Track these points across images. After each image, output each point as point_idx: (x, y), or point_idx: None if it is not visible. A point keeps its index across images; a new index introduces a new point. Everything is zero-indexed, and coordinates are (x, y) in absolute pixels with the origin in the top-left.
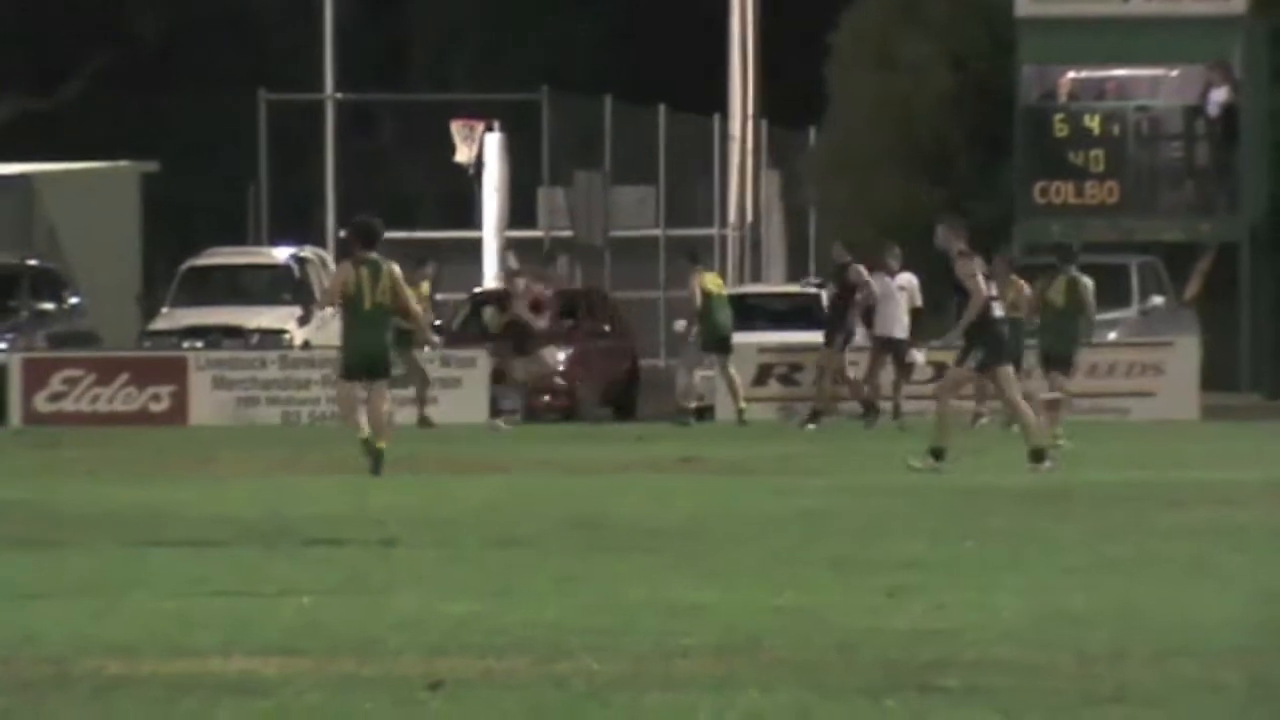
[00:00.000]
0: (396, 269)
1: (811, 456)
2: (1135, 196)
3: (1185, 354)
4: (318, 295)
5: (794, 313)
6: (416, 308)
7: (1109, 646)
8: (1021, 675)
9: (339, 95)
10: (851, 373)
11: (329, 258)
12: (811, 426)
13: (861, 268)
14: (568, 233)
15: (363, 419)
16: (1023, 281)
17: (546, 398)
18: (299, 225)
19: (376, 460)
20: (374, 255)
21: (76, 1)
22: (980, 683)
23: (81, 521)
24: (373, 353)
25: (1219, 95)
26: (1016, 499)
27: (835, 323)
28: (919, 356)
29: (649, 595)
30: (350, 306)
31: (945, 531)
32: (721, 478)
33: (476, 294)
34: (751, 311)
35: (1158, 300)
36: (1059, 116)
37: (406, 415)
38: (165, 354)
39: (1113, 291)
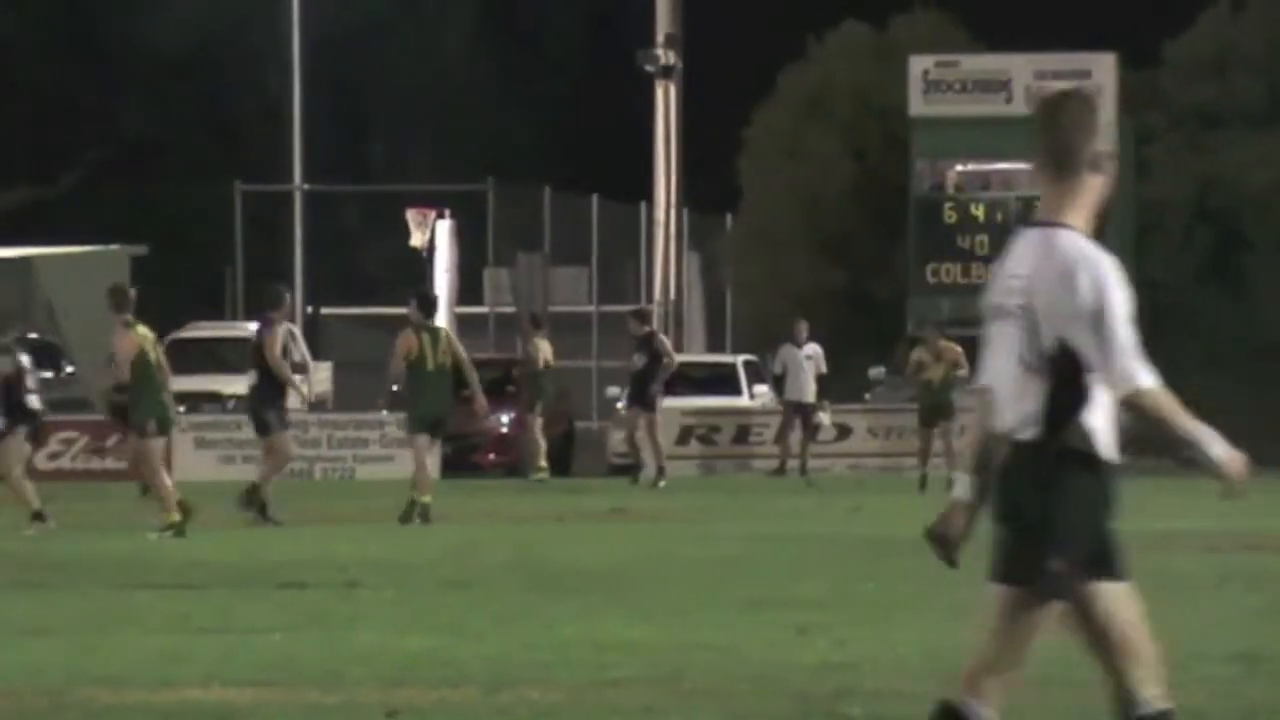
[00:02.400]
0: (451, 334)
1: (728, 508)
2: None
3: None
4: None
5: (713, 380)
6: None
7: None
8: (916, 704)
9: (306, 186)
10: (638, 434)
11: (298, 331)
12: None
13: (664, 337)
14: (511, 309)
15: (424, 473)
16: (956, 345)
17: (492, 455)
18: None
19: (416, 510)
20: (432, 323)
21: (73, 103)
22: (881, 711)
23: (76, 567)
24: (439, 411)
25: None
26: (914, 546)
27: (641, 387)
28: (824, 418)
29: (583, 632)
30: (416, 369)
31: (849, 575)
32: (647, 526)
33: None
34: (674, 379)
35: None
36: (948, 205)
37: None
38: None
39: None
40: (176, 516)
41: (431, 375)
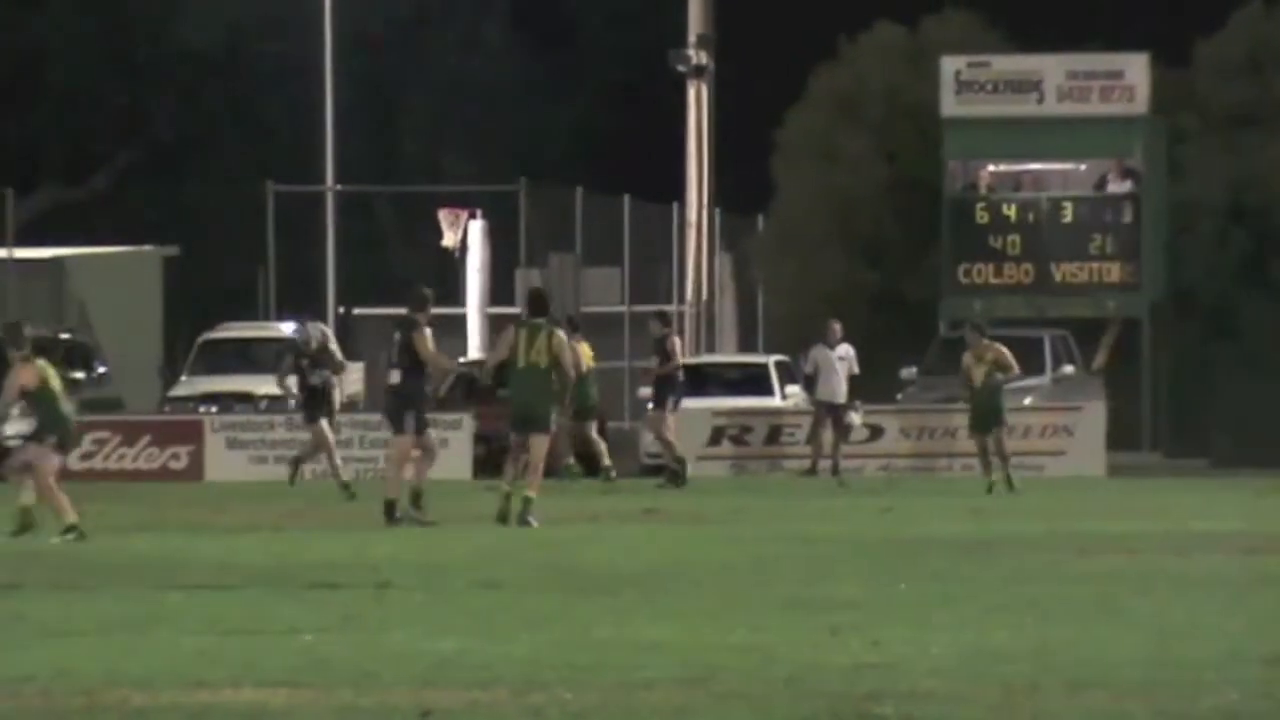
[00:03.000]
0: (561, 334)
1: (760, 509)
2: (1048, 277)
3: (1093, 417)
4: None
5: (744, 380)
6: (571, 371)
7: (1027, 679)
8: (949, 705)
9: (338, 186)
10: (670, 435)
11: (330, 331)
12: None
13: (677, 340)
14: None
15: (510, 471)
16: (998, 344)
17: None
18: (303, 302)
19: (508, 511)
20: (539, 320)
21: (105, 103)
22: (913, 712)
23: (109, 568)
24: (526, 408)
25: (1118, 187)
26: (946, 546)
27: (663, 389)
28: (855, 418)
29: (615, 633)
30: (510, 365)
31: (881, 575)
32: (680, 528)
33: (461, 363)
34: (706, 379)
35: (1068, 369)
36: (980, 206)
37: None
38: (184, 417)
39: (1028, 361)
40: (74, 518)
41: (519, 373)
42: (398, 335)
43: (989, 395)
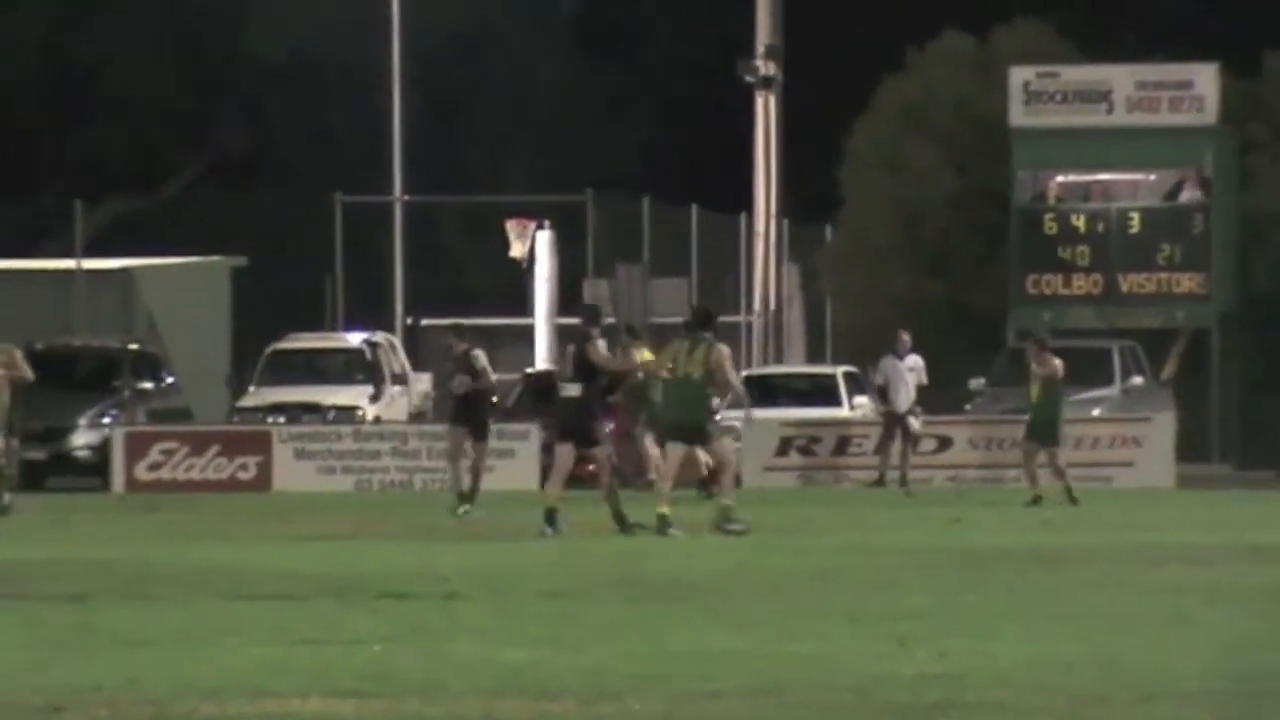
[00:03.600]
0: (721, 348)
1: (827, 519)
2: (1117, 287)
3: (1162, 428)
4: (387, 377)
5: (812, 391)
6: (737, 384)
7: (1095, 690)
8: (1016, 716)
9: (406, 197)
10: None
11: (397, 342)
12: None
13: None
14: (610, 320)
15: (667, 485)
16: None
17: (592, 466)
18: (371, 313)
19: (662, 524)
20: (704, 334)
21: (174, 114)
22: None
23: (177, 577)
24: (680, 418)
25: (1187, 197)
26: (1013, 557)
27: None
28: (915, 423)
29: (683, 643)
30: (670, 375)
31: (948, 586)
32: (747, 538)
33: (529, 373)
34: (773, 390)
35: (1137, 380)
36: (1049, 216)
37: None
38: (252, 428)
39: (1096, 372)
40: None
41: (672, 384)
42: (571, 349)
43: (1039, 408)
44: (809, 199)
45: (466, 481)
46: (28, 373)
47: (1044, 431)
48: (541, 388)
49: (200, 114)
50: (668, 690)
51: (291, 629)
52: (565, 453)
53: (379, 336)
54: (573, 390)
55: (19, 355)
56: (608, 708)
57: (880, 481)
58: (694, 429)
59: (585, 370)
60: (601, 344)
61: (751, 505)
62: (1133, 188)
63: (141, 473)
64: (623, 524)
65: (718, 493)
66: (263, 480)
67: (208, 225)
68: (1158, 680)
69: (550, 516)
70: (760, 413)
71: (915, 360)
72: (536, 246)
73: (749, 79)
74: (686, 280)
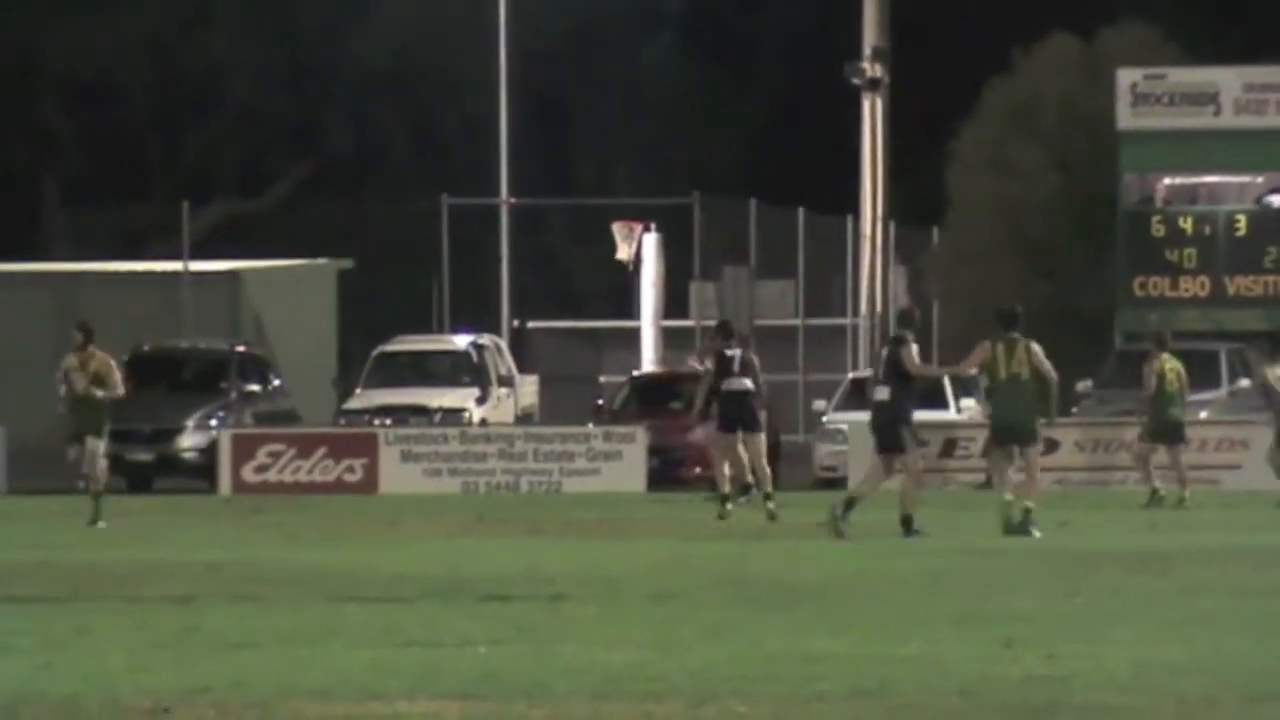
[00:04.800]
0: (1036, 346)
1: (934, 522)
2: (1223, 289)
3: (1269, 431)
4: (493, 379)
5: (921, 394)
6: (1053, 374)
7: (1204, 692)
8: (1125, 718)
9: (512, 200)
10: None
11: (504, 344)
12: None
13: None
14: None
15: (1013, 479)
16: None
17: (698, 469)
18: (477, 315)
19: (1025, 519)
20: (1014, 334)
21: (281, 118)
22: None
23: (284, 579)
24: (1012, 420)
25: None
26: (1120, 560)
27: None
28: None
29: (788, 645)
30: (989, 378)
31: (1055, 588)
32: (854, 540)
33: (635, 376)
34: None
35: (1244, 383)
36: (1156, 219)
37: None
38: (359, 430)
39: (1204, 375)
40: None
41: (1002, 386)
42: (885, 351)
43: (1157, 407)
44: (915, 200)
45: (725, 485)
46: (118, 386)
47: (1158, 430)
48: (648, 391)
49: (307, 118)
50: (773, 692)
51: (398, 631)
52: (880, 463)
53: (485, 339)
54: (882, 394)
55: (113, 365)
56: (712, 709)
57: (987, 484)
58: (1027, 431)
59: (898, 374)
60: (915, 348)
61: (857, 508)
62: (1240, 190)
63: (248, 475)
64: (908, 528)
65: (840, 503)
66: (369, 483)
67: (314, 229)
68: (1265, 682)
69: (907, 522)
70: (865, 415)
71: None
72: (643, 249)
73: (856, 81)
74: (793, 283)
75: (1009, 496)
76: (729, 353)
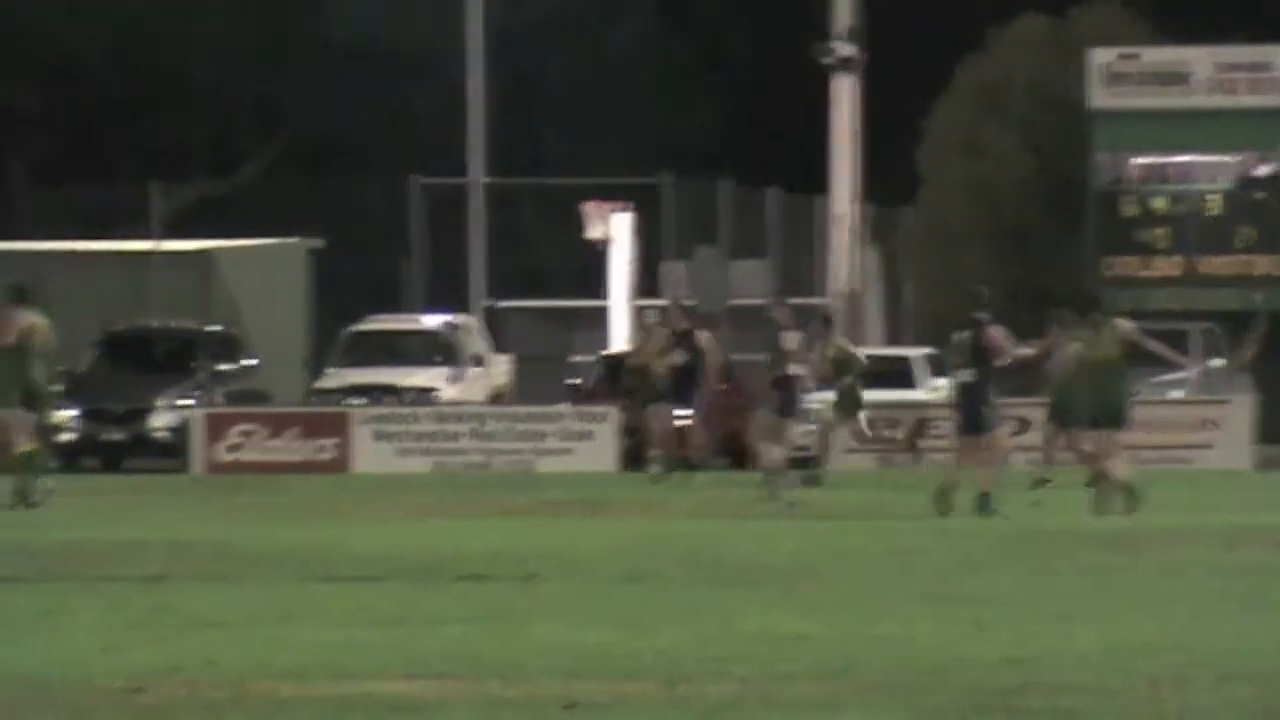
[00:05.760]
0: (1121, 323)
1: (905, 502)
2: (1195, 270)
3: (1240, 411)
4: (465, 358)
5: (891, 374)
6: (1151, 346)
7: (1175, 672)
8: (1097, 698)
9: (484, 179)
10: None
11: (477, 324)
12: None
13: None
14: (689, 302)
15: (1119, 465)
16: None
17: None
18: (449, 295)
19: (1130, 498)
20: (1096, 316)
21: (251, 96)
22: (1061, 705)
23: (257, 558)
24: (1105, 400)
25: (1260, 173)
26: (1090, 540)
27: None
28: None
29: (760, 625)
30: (1078, 365)
31: (1028, 569)
32: (824, 521)
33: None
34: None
35: (1216, 362)
36: (1127, 199)
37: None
38: (330, 409)
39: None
40: None
41: (1088, 369)
42: (967, 335)
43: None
44: (887, 180)
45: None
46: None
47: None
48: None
49: (278, 96)
50: (745, 672)
51: (371, 610)
52: (965, 445)
53: (458, 318)
54: (965, 376)
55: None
56: (685, 689)
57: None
58: (1117, 412)
59: (980, 356)
60: (999, 330)
61: (829, 488)
62: (1211, 170)
63: (220, 454)
64: (985, 505)
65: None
66: (341, 462)
67: (285, 208)
68: (1237, 662)
69: (985, 500)
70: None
71: None
72: (616, 228)
73: (826, 61)
74: (765, 263)
75: (1124, 479)
76: (788, 334)
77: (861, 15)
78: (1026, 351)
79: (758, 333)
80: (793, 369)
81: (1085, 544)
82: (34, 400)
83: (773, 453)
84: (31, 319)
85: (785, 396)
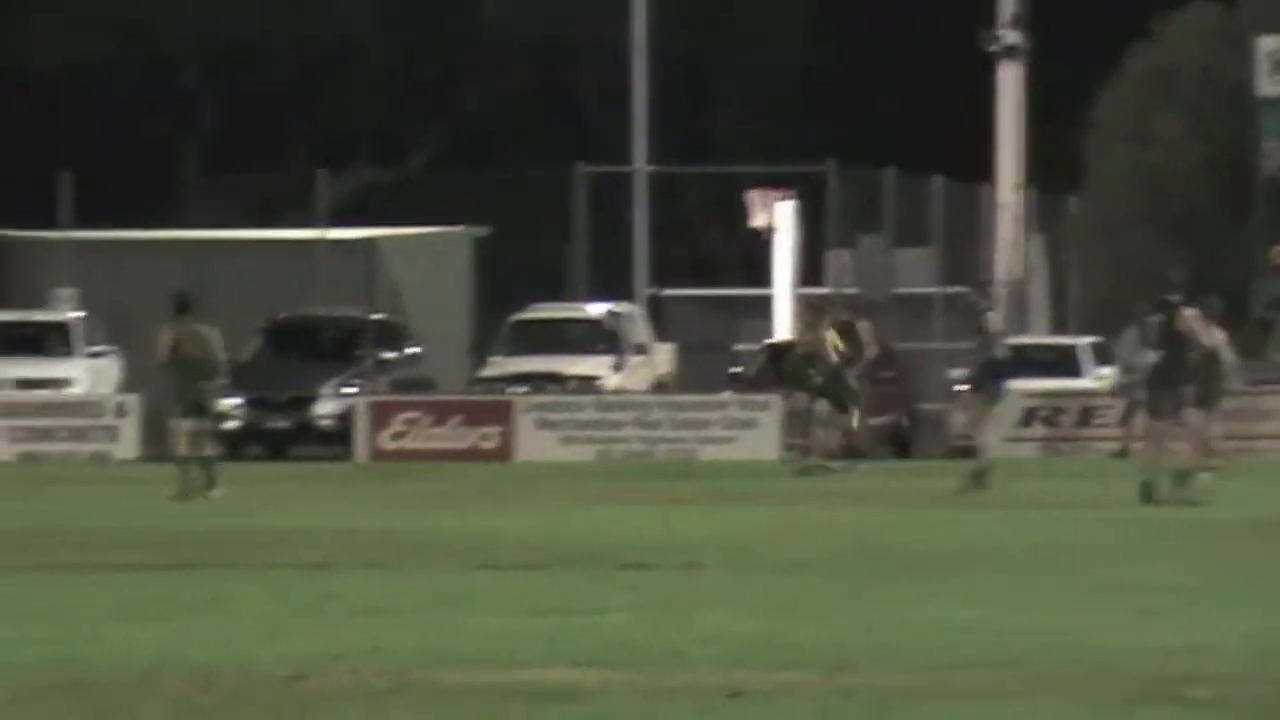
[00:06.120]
0: (1188, 312)
1: (1070, 491)
2: None
3: None
4: (629, 347)
5: (1056, 362)
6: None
7: None
8: (1266, 687)
9: (649, 167)
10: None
11: (640, 312)
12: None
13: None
14: (853, 290)
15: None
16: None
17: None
18: (612, 283)
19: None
20: (1172, 298)
21: (418, 86)
22: (1230, 695)
23: (421, 546)
24: (1203, 387)
25: None
26: (1256, 529)
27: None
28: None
29: (924, 615)
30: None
31: (1194, 558)
32: (989, 510)
33: (769, 344)
34: (1017, 360)
35: None
36: None
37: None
38: (494, 398)
39: None
40: None
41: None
42: (1160, 318)
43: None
44: (1053, 168)
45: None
46: (217, 354)
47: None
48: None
49: (445, 85)
50: (909, 661)
51: (534, 598)
52: (1156, 428)
53: (621, 306)
54: (1157, 359)
55: (216, 336)
56: (849, 678)
57: (1124, 453)
58: (1214, 396)
59: (1172, 340)
60: (1191, 313)
61: (994, 477)
62: None
63: (384, 442)
64: (1183, 482)
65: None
66: (505, 450)
67: (451, 196)
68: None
69: (1146, 490)
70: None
71: None
72: (779, 217)
73: (992, 48)
74: (930, 251)
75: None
76: (990, 313)
77: (1026, 3)
78: (1216, 338)
79: (923, 321)
80: (998, 351)
81: (1252, 534)
82: (199, 410)
83: (985, 438)
84: (188, 329)
85: (990, 379)
